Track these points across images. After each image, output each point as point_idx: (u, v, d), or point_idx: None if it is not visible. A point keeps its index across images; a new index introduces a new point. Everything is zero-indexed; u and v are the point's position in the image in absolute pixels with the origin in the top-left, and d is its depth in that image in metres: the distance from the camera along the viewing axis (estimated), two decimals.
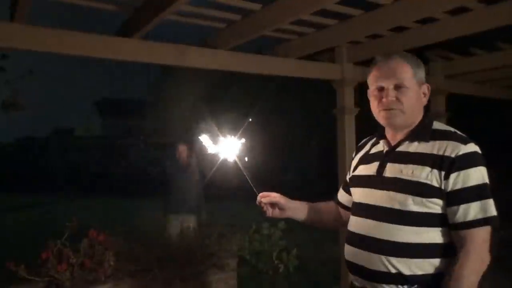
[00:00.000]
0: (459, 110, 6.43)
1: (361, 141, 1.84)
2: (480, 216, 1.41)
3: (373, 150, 1.69)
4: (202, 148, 1.85)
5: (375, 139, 1.71)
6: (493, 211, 1.43)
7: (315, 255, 6.30)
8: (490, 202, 1.44)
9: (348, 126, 4.00)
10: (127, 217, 4.32)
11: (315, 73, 3.94)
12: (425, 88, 1.59)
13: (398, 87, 1.54)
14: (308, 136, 14.26)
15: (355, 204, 1.68)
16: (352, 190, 1.73)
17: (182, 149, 5.40)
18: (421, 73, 1.58)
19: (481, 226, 1.41)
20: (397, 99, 1.54)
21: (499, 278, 4.77)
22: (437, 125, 1.58)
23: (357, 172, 1.73)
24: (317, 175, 12.53)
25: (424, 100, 1.60)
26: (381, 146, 1.65)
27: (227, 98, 14.94)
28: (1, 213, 12.39)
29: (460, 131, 1.55)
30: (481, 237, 1.42)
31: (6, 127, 25.28)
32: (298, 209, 1.86)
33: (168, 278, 3.52)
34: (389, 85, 1.55)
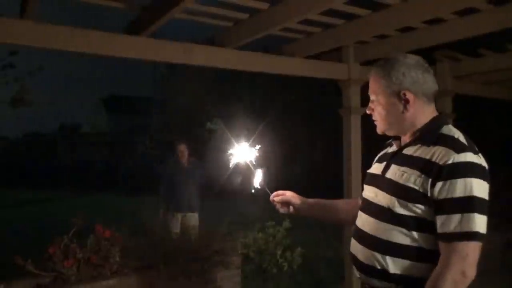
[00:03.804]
0: (467, 111, 6.40)
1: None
2: (459, 229, 1.35)
3: (389, 150, 1.72)
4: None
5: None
6: (475, 227, 1.35)
7: (319, 254, 6.30)
8: (474, 217, 1.35)
9: (354, 126, 3.99)
10: (132, 213, 4.35)
11: (322, 72, 3.94)
12: (403, 95, 1.53)
13: (373, 101, 1.64)
14: (315, 136, 14.25)
15: (362, 200, 1.72)
16: (364, 186, 1.76)
17: (184, 148, 5.42)
18: (400, 81, 1.53)
19: (460, 240, 1.35)
20: (373, 111, 1.65)
21: (507, 280, 4.75)
22: (446, 129, 1.51)
23: (370, 170, 1.76)
24: (324, 175, 12.51)
25: (406, 108, 1.54)
26: (394, 147, 1.68)
27: (233, 96, 14.95)
28: (8, 208, 12.52)
29: (467, 133, 1.51)
30: (462, 251, 1.34)
31: (15, 123, 25.51)
32: (311, 208, 1.90)
33: (173, 274, 3.55)
34: (370, 97, 1.66)
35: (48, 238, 3.31)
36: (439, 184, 1.39)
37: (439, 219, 1.39)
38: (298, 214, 1.91)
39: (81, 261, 3.23)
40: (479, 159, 1.43)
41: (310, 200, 1.91)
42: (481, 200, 1.38)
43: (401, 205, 1.46)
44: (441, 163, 1.40)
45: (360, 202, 1.83)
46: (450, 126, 1.54)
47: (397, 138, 1.67)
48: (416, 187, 1.43)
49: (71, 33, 2.74)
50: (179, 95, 17.67)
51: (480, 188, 1.38)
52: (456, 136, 1.48)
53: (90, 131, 28.98)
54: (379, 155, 1.79)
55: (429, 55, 4.48)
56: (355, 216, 1.75)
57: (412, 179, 1.45)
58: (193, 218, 5.39)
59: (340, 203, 1.98)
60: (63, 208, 11.49)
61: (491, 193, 1.43)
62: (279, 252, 5.30)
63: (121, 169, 17.95)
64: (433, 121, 1.56)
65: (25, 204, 13.72)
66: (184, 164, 5.42)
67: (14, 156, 22.45)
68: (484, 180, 1.41)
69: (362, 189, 1.80)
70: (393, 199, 1.49)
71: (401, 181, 1.49)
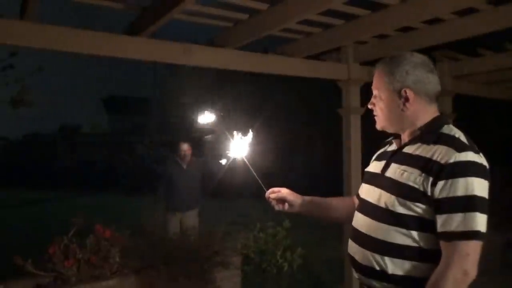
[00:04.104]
0: (467, 111, 6.40)
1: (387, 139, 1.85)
2: (460, 228, 1.35)
3: (388, 149, 1.72)
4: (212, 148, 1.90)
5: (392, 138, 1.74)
6: (477, 226, 1.35)
7: (319, 254, 6.30)
8: (476, 216, 1.35)
9: (354, 125, 4.00)
10: (132, 214, 4.38)
11: (322, 73, 3.94)
12: (404, 93, 1.54)
13: (375, 96, 1.65)
14: (314, 135, 14.25)
15: (359, 200, 1.71)
16: (362, 185, 1.75)
17: (185, 148, 5.43)
18: (403, 79, 1.54)
19: (462, 239, 1.35)
20: (374, 106, 1.66)
21: (507, 280, 4.76)
22: (447, 129, 1.52)
23: (368, 168, 1.76)
24: (323, 175, 12.51)
25: (406, 106, 1.55)
26: (394, 146, 1.68)
27: (232, 96, 14.95)
28: (8, 208, 12.52)
29: (467, 133, 1.51)
30: (462, 250, 1.34)
31: (15, 123, 25.52)
32: (307, 206, 1.89)
33: (173, 274, 3.55)
34: (373, 92, 1.66)
35: (48, 238, 3.31)
36: (440, 183, 1.38)
37: (440, 218, 1.39)
38: (293, 211, 1.89)
39: (81, 261, 3.23)
40: (480, 158, 1.43)
41: (306, 198, 1.90)
42: (482, 199, 1.38)
43: (401, 204, 1.46)
44: (442, 162, 1.40)
45: (356, 200, 1.83)
46: (451, 126, 1.54)
47: (397, 136, 1.67)
48: (416, 186, 1.43)
49: (71, 34, 2.74)
50: (178, 95, 17.67)
51: (481, 187, 1.38)
52: (457, 136, 1.48)
53: (90, 131, 28.97)
54: (377, 153, 1.78)
55: (429, 55, 4.47)
56: (352, 215, 1.74)
57: (412, 177, 1.45)
58: (193, 215, 5.39)
59: (337, 201, 1.97)
60: (63, 208, 11.49)
61: (491, 192, 1.43)
62: (279, 253, 5.29)
63: (121, 169, 17.93)
64: (434, 121, 1.56)
65: (25, 204, 13.71)
66: (185, 164, 5.43)
67: (14, 156, 22.44)
68: (485, 179, 1.41)
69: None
70: (393, 197, 1.48)
71: (401, 180, 1.48)
